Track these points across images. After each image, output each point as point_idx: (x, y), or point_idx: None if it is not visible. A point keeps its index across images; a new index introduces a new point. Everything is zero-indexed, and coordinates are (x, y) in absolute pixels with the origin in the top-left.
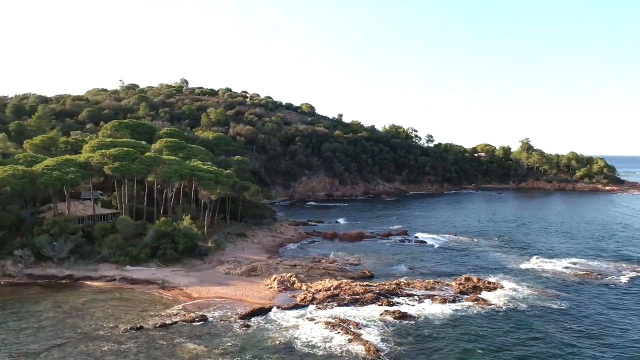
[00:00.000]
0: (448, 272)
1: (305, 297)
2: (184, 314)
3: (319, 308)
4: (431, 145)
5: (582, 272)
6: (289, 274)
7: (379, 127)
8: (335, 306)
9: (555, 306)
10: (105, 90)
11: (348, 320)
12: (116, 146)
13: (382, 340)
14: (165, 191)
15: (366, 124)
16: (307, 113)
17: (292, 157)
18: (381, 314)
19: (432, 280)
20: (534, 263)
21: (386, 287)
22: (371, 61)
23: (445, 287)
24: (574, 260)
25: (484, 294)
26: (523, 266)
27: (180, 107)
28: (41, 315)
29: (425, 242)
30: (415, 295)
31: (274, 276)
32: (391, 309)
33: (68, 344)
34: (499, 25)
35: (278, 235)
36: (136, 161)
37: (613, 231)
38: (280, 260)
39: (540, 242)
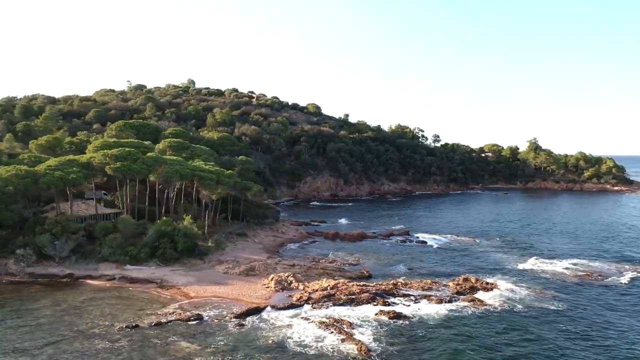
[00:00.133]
0: (447, 273)
1: (301, 297)
2: (180, 313)
3: (314, 308)
4: (438, 145)
5: (583, 273)
6: (286, 274)
7: (386, 127)
8: (331, 306)
9: (552, 307)
10: (113, 90)
11: (342, 320)
12: (119, 146)
13: (375, 340)
14: (167, 191)
15: (373, 124)
16: (313, 113)
17: (297, 157)
18: (376, 314)
19: (429, 281)
20: (534, 264)
21: (383, 287)
22: (371, 61)
23: (443, 288)
24: (575, 261)
25: (480, 295)
26: (523, 267)
27: (186, 107)
28: (39, 314)
29: (426, 243)
30: (412, 295)
31: (271, 276)
32: (386, 309)
33: (63, 341)
34: (499, 25)
35: (279, 235)
36: (138, 161)
37: (617, 232)
38: (279, 260)
39: (543, 242)
